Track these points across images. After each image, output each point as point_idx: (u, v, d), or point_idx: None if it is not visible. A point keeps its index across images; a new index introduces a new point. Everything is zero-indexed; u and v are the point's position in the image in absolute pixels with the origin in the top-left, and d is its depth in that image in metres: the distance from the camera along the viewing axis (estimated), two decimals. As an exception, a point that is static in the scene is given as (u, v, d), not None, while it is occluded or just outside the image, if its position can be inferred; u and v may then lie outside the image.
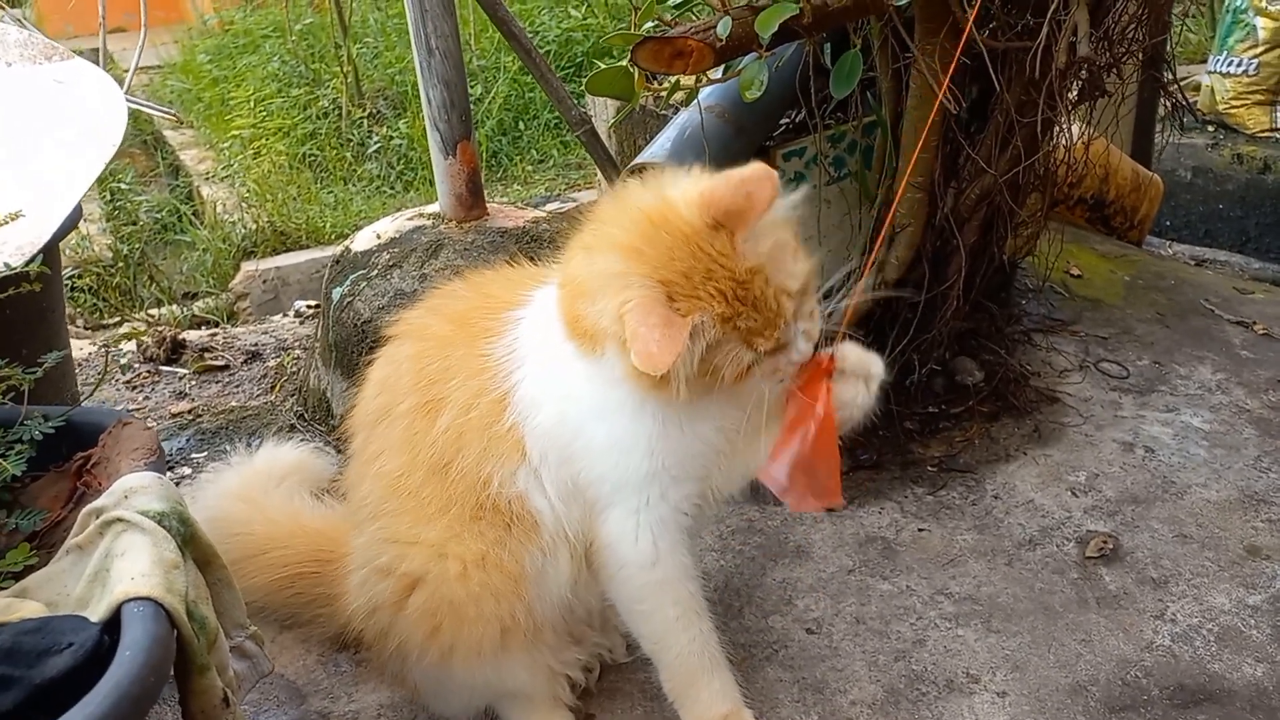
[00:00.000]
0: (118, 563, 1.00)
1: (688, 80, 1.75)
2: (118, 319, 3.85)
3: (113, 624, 0.96)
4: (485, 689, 1.44)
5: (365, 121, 5.14)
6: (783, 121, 2.10)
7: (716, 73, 1.80)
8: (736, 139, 1.86)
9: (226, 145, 5.16)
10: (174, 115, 2.17)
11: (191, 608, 1.01)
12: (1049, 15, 1.59)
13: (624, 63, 1.57)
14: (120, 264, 4.21)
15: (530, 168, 5.03)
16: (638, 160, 1.82)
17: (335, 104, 5.19)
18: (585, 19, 5.56)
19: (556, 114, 5.33)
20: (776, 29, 1.51)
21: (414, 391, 1.37)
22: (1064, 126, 1.93)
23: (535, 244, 2.15)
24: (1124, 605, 1.72)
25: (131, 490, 1.07)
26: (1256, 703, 1.52)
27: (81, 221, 4.49)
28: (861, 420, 1.35)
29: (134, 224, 4.60)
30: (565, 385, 1.29)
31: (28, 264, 1.14)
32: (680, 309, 1.12)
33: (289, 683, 1.63)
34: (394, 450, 1.38)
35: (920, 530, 1.92)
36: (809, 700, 1.56)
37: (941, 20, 1.71)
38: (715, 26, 1.52)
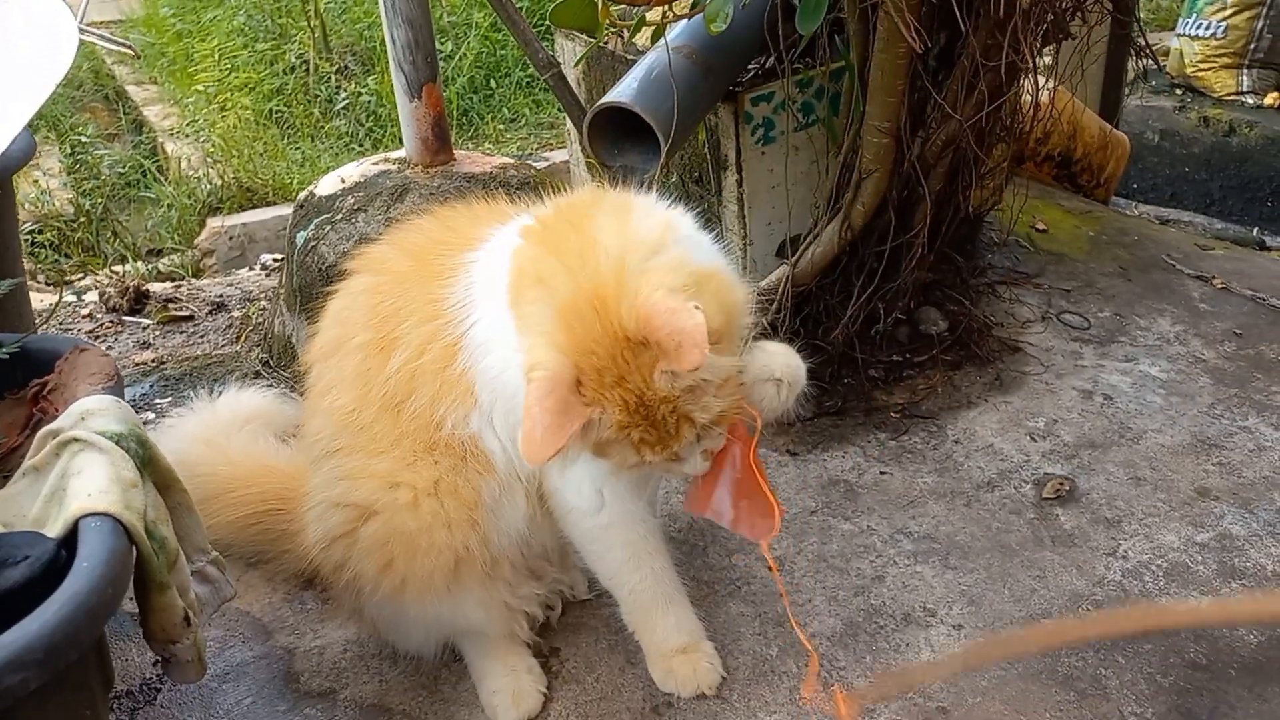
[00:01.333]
0: (74, 481, 1.00)
1: (654, 16, 1.73)
2: (80, 275, 3.79)
3: (70, 541, 0.96)
4: (439, 625, 1.45)
5: (333, 77, 5.05)
6: (751, 66, 2.09)
7: (684, 10, 1.79)
8: (704, 80, 1.86)
9: (191, 101, 5.06)
10: (129, 49, 2.11)
11: (150, 527, 1.01)
12: (1014, -43, 1.60)
13: (590, -4, 1.55)
14: (82, 219, 4.13)
15: (502, 126, 4.98)
16: (604, 100, 1.81)
17: (302, 59, 5.09)
18: (556, -27, 5.48)
19: (529, 72, 5.26)
20: (743, -35, 1.50)
21: (368, 327, 1.36)
22: (1028, 72, 1.94)
23: (503, 189, 2.13)
24: (1078, 543, 1.76)
25: (89, 412, 1.07)
26: (1200, 632, 1.57)
27: (42, 175, 4.40)
28: (771, 420, 1.36)
29: (96, 179, 4.51)
30: (510, 337, 1.27)
31: (-23, 184, 1.12)
32: (585, 398, 1.13)
33: (254, 619, 1.63)
34: (346, 385, 1.37)
35: (882, 473, 1.95)
36: (770, 633, 1.59)
37: (909, -38, 1.70)
38: (681, -40, 1.51)
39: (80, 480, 1.00)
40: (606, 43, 2.17)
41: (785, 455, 2.01)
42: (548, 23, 5.20)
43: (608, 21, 1.60)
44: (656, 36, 1.79)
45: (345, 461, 1.37)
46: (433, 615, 1.40)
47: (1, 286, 1.23)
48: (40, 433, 1.08)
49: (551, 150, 4.74)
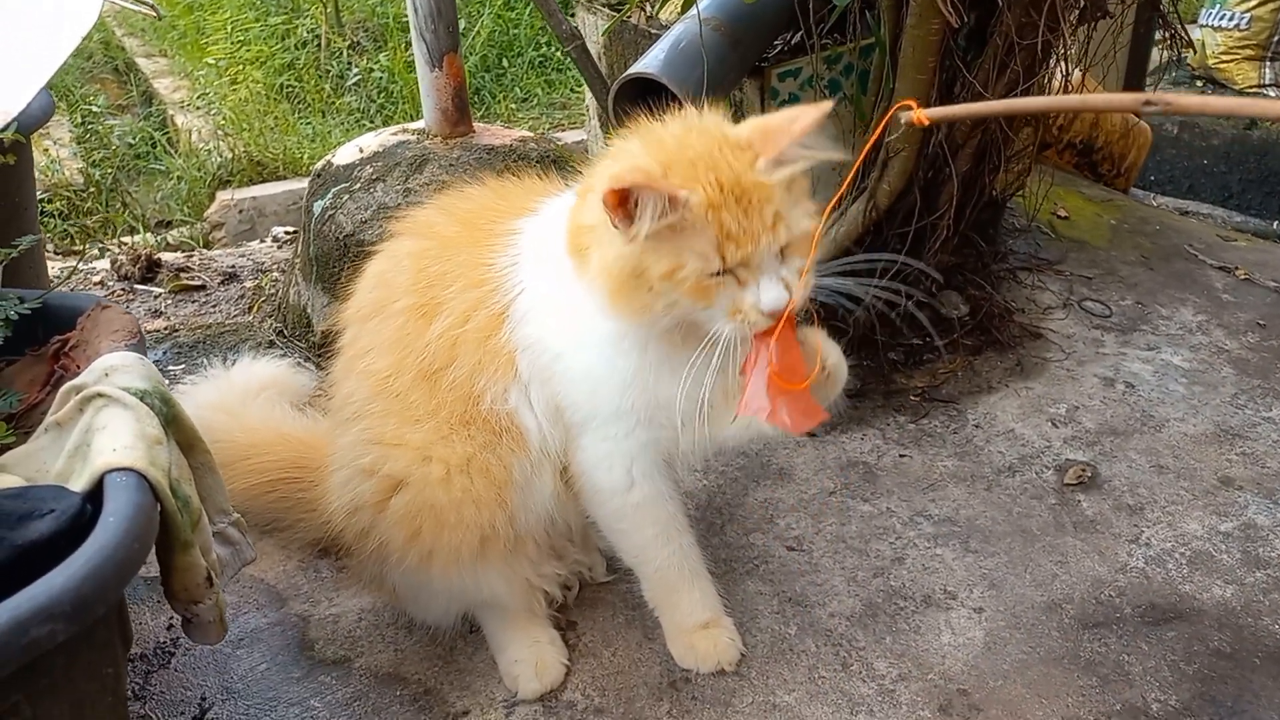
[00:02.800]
0: (99, 436, 0.98)
1: (684, -11, 1.71)
2: (89, 245, 3.77)
3: (94, 495, 0.94)
4: (462, 596, 1.44)
5: (345, 53, 5.02)
6: (778, 42, 2.06)
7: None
8: (732, 52, 1.83)
9: (201, 74, 5.02)
10: (152, 9, 2.08)
11: (175, 485, 1.00)
12: (1054, -69, 1.57)
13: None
14: (92, 189, 4.11)
15: (514, 106, 4.95)
16: (631, 70, 1.78)
17: (314, 34, 5.06)
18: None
19: (541, 52, 5.23)
20: (778, -67, 1.47)
21: (411, 291, 1.33)
22: (1063, 53, 1.91)
23: (523, 162, 2.11)
24: (1100, 530, 1.75)
25: (113, 368, 1.05)
26: (1224, 621, 1.55)
27: (52, 145, 4.37)
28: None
29: (106, 149, 4.48)
30: (556, 306, 1.27)
31: (2, 131, 1.10)
32: (673, 181, 1.08)
33: (269, 587, 1.62)
34: (384, 349, 1.35)
35: (902, 456, 1.94)
36: (788, 612, 1.58)
37: (944, -64, 1.67)
38: (716, -72, 1.48)
39: (105, 435, 0.98)
40: (630, 16, 2.15)
41: (804, 436, 1.99)
42: None
43: (638, -8, 1.57)
44: (685, 8, 1.76)
45: (376, 425, 1.35)
46: (456, 587, 1.39)
47: (22, 243, 1.21)
48: (63, 388, 1.06)
49: (564, 130, 4.70)
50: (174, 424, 1.07)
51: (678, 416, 1.23)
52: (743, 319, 1.13)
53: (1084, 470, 1.88)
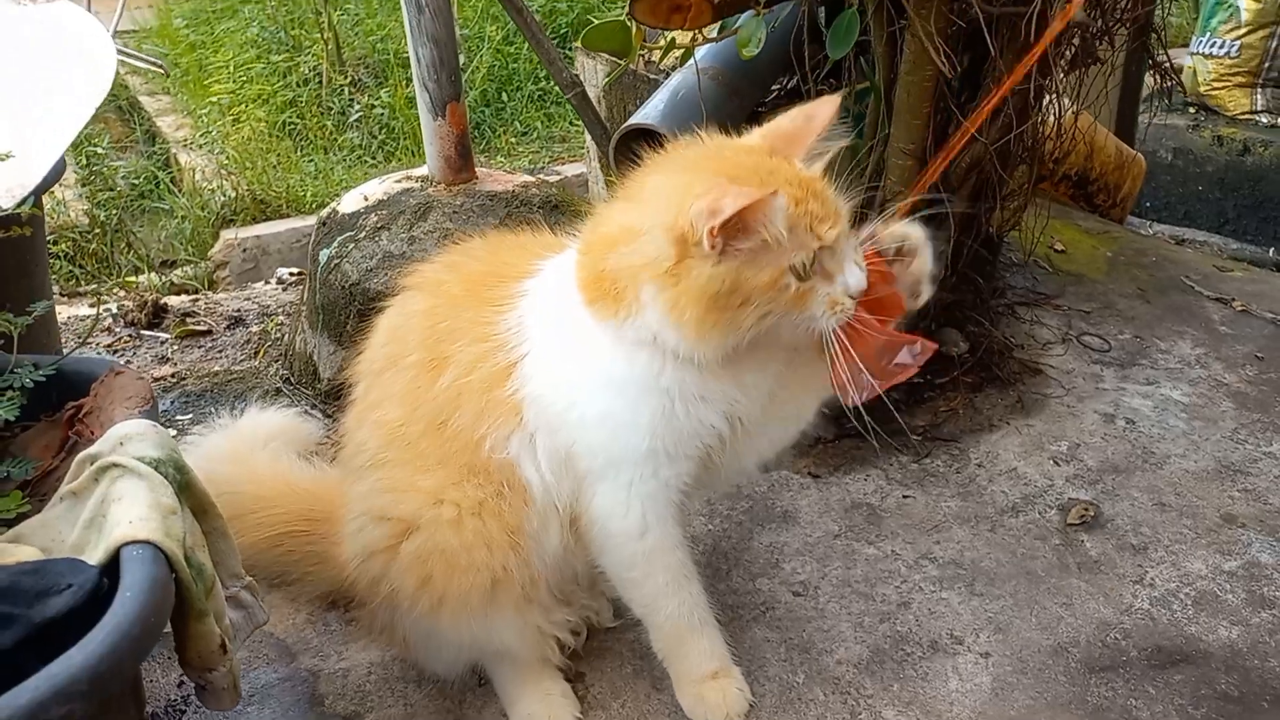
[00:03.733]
0: (114, 507, 0.99)
1: (683, 39, 1.74)
2: (94, 286, 3.79)
3: (111, 568, 0.95)
4: (473, 645, 1.44)
5: (346, 90, 5.07)
6: (775, 87, 2.09)
7: (712, 34, 1.79)
8: (730, 101, 1.86)
9: (204, 112, 5.08)
10: (160, 67, 2.12)
11: (189, 554, 1.01)
12: (1045, -18, 1.60)
13: (622, 17, 1.56)
14: (97, 230, 4.14)
15: (514, 139, 5.00)
16: (631, 122, 1.81)
17: (316, 71, 5.12)
18: (572, -13, 5.51)
19: (540, 86, 5.28)
20: (774, -11, 1.50)
21: (422, 347, 1.37)
22: (1055, 96, 1.94)
23: (524, 208, 2.14)
24: (1104, 570, 1.75)
25: (127, 437, 1.06)
26: (1231, 663, 1.55)
27: (57, 186, 4.43)
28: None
29: (111, 190, 4.52)
30: (569, 355, 1.29)
31: (19, 206, 1.12)
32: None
33: (279, 641, 1.62)
34: (395, 400, 1.38)
35: (905, 497, 1.95)
36: (795, 660, 1.58)
37: (937, -14, 1.71)
38: (713, -15, 1.52)
39: (120, 507, 0.99)
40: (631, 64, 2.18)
41: (807, 477, 2.00)
42: (565, 36, 5.24)
43: (640, 46, 1.60)
44: (685, 59, 1.80)
45: (390, 474, 1.37)
46: (467, 635, 1.39)
47: (36, 309, 1.23)
48: (78, 457, 1.08)
49: (563, 164, 4.75)
50: (187, 490, 1.08)
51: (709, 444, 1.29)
52: (840, 308, 1.18)
53: (1087, 509, 1.89)
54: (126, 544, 0.95)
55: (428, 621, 1.40)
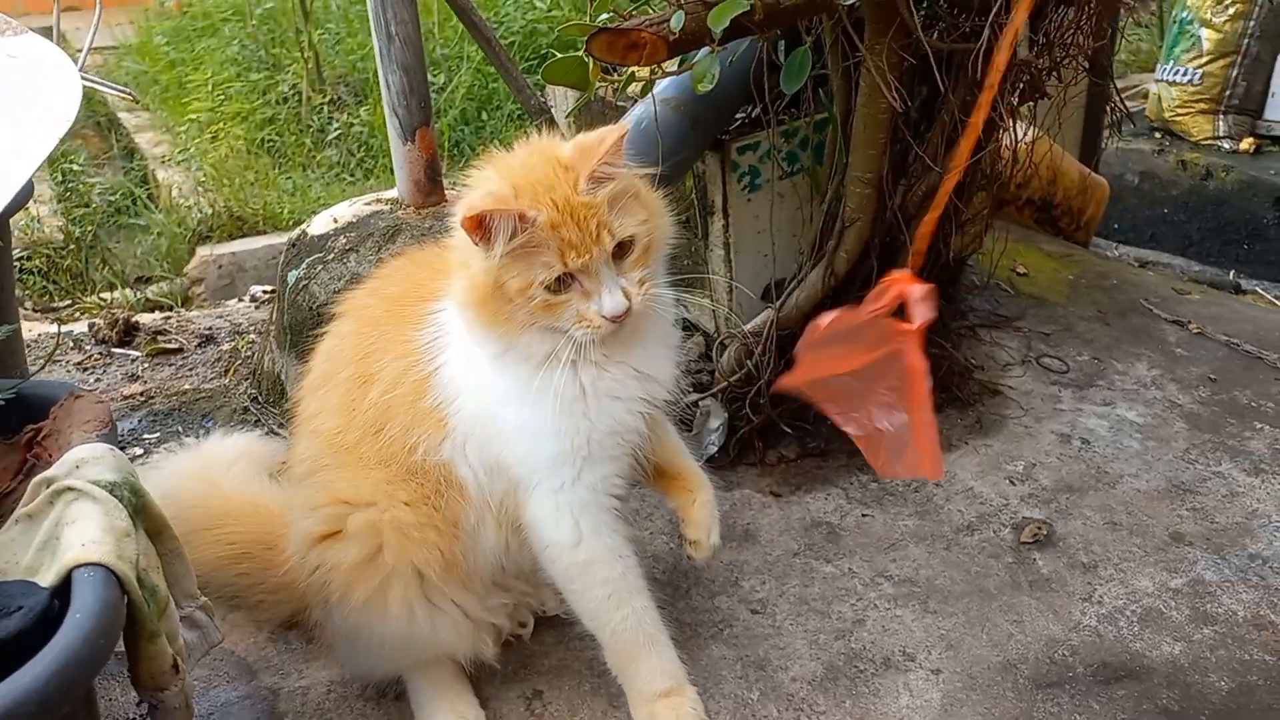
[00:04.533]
0: (68, 530, 1.01)
1: (643, 72, 1.78)
2: (68, 302, 3.79)
3: (62, 590, 0.97)
4: (406, 645, 1.46)
5: (326, 108, 5.10)
6: (738, 116, 2.14)
7: (671, 66, 1.83)
8: (693, 131, 1.90)
9: (183, 129, 5.09)
10: (131, 95, 2.15)
11: (142, 575, 1.03)
12: (990, 18, 1.65)
13: (580, 53, 1.60)
14: (71, 246, 4.14)
15: (481, 157, 5.03)
16: (594, 150, 1.85)
17: (295, 90, 5.14)
18: (550, 10, 5.56)
19: (520, 104, 5.34)
20: (729, 25, 1.55)
21: (352, 363, 1.45)
22: (1008, 127, 2.00)
23: (493, 231, 2.17)
24: (1055, 588, 1.79)
25: (83, 460, 1.09)
26: (1173, 679, 1.60)
27: (32, 202, 4.42)
28: None
29: (86, 206, 4.52)
30: (478, 373, 1.37)
31: (-21, 235, 1.14)
32: (522, 204, 1.22)
33: (239, 659, 1.64)
34: (332, 412, 1.46)
35: (864, 515, 1.98)
36: (751, 677, 1.61)
37: (889, 21, 1.76)
38: (669, 20, 1.56)
39: (74, 529, 1.01)
40: (599, 89, 2.22)
41: (769, 496, 2.04)
42: (545, 56, 5.29)
43: (598, 80, 1.64)
44: (646, 90, 1.84)
45: (332, 475, 1.44)
46: (404, 631, 1.42)
47: (0, 331, 1.25)
48: (34, 480, 1.10)
49: (541, 183, 4.79)
50: (142, 513, 1.10)
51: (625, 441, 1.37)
52: (588, 325, 1.27)
53: (1040, 528, 1.93)
54: (78, 566, 0.97)
55: (367, 608, 1.41)
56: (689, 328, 2.41)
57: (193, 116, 5.06)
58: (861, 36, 1.79)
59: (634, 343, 1.36)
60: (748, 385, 2.16)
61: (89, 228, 4.28)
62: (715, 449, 2.12)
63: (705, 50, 1.64)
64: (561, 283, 1.24)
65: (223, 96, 5.16)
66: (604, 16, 1.63)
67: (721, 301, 2.27)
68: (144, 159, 5.14)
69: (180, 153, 4.98)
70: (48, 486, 1.08)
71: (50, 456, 1.17)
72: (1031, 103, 1.93)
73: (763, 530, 1.95)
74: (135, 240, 4.31)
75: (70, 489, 1.05)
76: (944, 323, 2.43)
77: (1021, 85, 1.79)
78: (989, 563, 1.86)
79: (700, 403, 2.20)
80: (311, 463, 1.48)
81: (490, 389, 1.36)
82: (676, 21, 1.53)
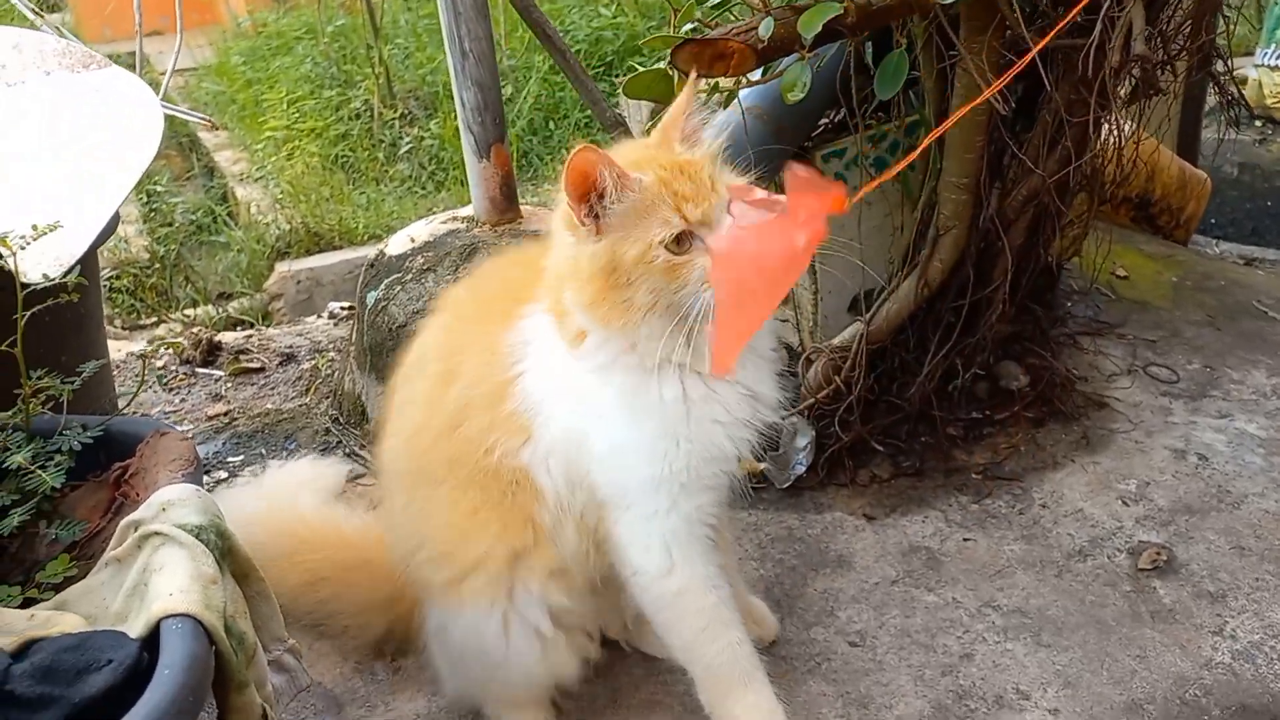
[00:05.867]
0: (155, 577, 0.99)
1: (727, 83, 1.71)
2: (154, 319, 3.89)
3: (151, 640, 0.94)
4: (487, 658, 1.41)
5: (397, 122, 5.15)
6: (821, 121, 2.05)
7: (754, 74, 1.76)
8: (776, 140, 1.83)
9: (260, 146, 5.19)
10: (209, 122, 2.17)
11: (230, 623, 1.00)
12: (1102, 12, 1.54)
13: (662, 65, 1.54)
14: (156, 265, 4.25)
15: (560, 167, 5.01)
16: (676, 162, 1.78)
17: (367, 105, 5.21)
18: (615, 17, 5.53)
19: (587, 113, 5.30)
20: (819, 29, 1.46)
21: (439, 359, 1.42)
22: (1116, 126, 1.87)
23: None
24: (1180, 620, 1.66)
25: (169, 503, 1.06)
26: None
27: (120, 224, 4.55)
28: None
29: (170, 225, 4.64)
30: (573, 387, 1.30)
31: (65, 275, 1.13)
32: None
33: (326, 691, 1.61)
34: (416, 404, 1.44)
35: (965, 540, 1.88)
36: (854, 715, 1.53)
37: (988, 18, 1.66)
38: (757, 28, 1.48)
39: (161, 577, 0.99)
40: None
41: (862, 519, 1.95)
42: (610, 64, 5.26)
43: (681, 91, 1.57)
44: (728, 101, 1.77)
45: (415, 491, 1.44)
46: (486, 628, 1.38)
47: (86, 370, 1.24)
48: (122, 523, 1.08)
49: (609, 192, 4.75)
50: (229, 556, 1.07)
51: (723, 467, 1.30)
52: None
53: (1159, 553, 1.80)
54: (167, 617, 0.94)
55: (449, 607, 1.40)
56: (771, 342, 2.33)
57: (269, 134, 5.16)
58: (958, 35, 1.69)
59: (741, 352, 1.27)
60: (836, 402, 2.07)
61: (173, 246, 4.39)
62: (803, 469, 2.03)
63: (794, 57, 1.56)
64: (681, 242, 1.16)
65: (298, 114, 5.25)
66: (688, 26, 1.57)
67: (806, 315, 2.18)
68: (223, 177, 5.26)
69: (258, 170, 5.09)
70: (135, 530, 1.05)
71: (138, 495, 1.15)
72: (1144, 99, 1.80)
73: (857, 556, 1.86)
74: (216, 257, 4.41)
75: (157, 534, 1.03)
76: (1043, 330, 2.31)
77: (1135, 82, 1.66)
78: (1105, 591, 1.73)
79: (786, 420, 2.11)
80: (390, 465, 1.49)
81: (586, 404, 1.30)
82: (766, 29, 1.45)
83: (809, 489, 2.02)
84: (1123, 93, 1.74)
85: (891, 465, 2.07)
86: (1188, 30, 1.75)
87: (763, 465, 2.05)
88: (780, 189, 1.89)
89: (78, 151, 1.25)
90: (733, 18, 1.67)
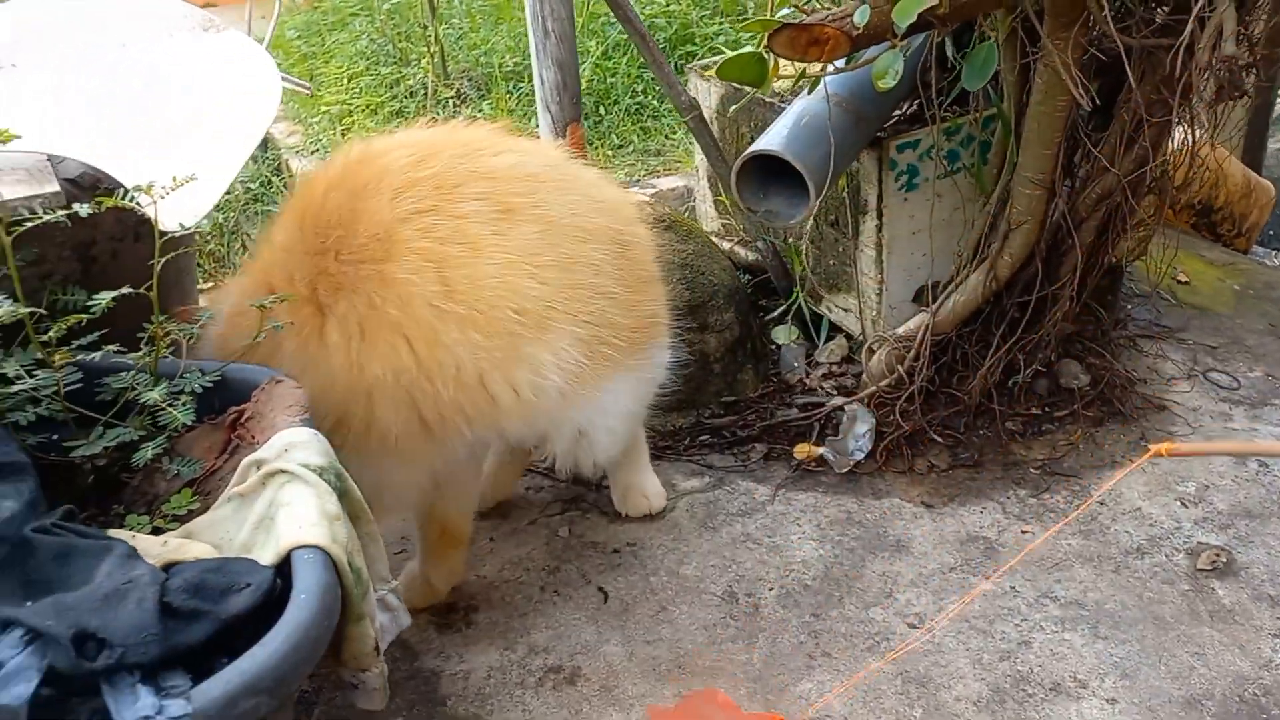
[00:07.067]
0: (283, 512, 1.04)
1: (813, 69, 1.74)
2: (211, 284, 3.97)
3: (280, 569, 1.00)
4: None
5: (451, 101, 5.21)
6: (895, 113, 2.08)
7: (838, 62, 1.79)
8: (855, 128, 1.85)
9: (315, 120, 5.27)
10: (308, 89, 2.23)
11: (350, 559, 1.05)
12: (1194, 12, 1.55)
13: (757, 48, 1.57)
14: (215, 232, 4.34)
15: (610, 152, 5.05)
16: (754, 148, 1.82)
17: (422, 83, 5.27)
18: (668, 5, 5.54)
19: (637, 100, 5.33)
20: (914, 18, 1.49)
21: None
22: (1198, 128, 1.88)
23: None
24: (1239, 620, 1.68)
25: (292, 444, 1.12)
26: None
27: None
28: None
29: (228, 194, 4.72)
30: None
31: (196, 226, 1.19)
32: None
33: (401, 639, 1.66)
34: None
35: (1023, 532, 1.90)
36: (913, 694, 1.56)
37: (1074, 14, 1.68)
38: (853, 15, 1.51)
39: (289, 512, 1.04)
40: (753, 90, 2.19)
41: (920, 506, 1.98)
42: (664, 50, 5.28)
43: (775, 76, 1.61)
44: (813, 87, 1.80)
45: None
46: None
47: (201, 318, 1.30)
48: (244, 462, 1.13)
49: (659, 177, 4.78)
50: (345, 497, 1.13)
51: None
52: None
53: (1218, 555, 1.82)
54: (297, 548, 1.00)
55: None
56: (833, 329, 2.36)
57: (325, 109, 5.24)
58: (1042, 28, 1.71)
59: None
60: (897, 391, 2.10)
61: (231, 214, 4.47)
62: (863, 455, 2.07)
63: (885, 45, 1.59)
64: None
65: (353, 89, 5.32)
66: (785, 11, 1.60)
67: (870, 304, 2.21)
68: (278, 149, 5.34)
69: (312, 144, 5.16)
70: (258, 468, 1.11)
71: (254, 438, 1.21)
72: (1228, 102, 1.81)
73: (915, 542, 1.89)
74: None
75: (282, 471, 1.08)
76: (1103, 332, 2.32)
77: (1220, 83, 1.68)
78: (1163, 589, 1.76)
79: (846, 407, 2.15)
80: None
81: None
82: (861, 16, 1.49)
83: (867, 475, 2.05)
84: (1206, 94, 1.75)
85: (949, 456, 2.09)
86: (1269, 34, 1.76)
87: (822, 449, 2.09)
88: (850, 181, 1.94)
89: (205, 110, 1.30)
90: (826, 5, 1.70)
